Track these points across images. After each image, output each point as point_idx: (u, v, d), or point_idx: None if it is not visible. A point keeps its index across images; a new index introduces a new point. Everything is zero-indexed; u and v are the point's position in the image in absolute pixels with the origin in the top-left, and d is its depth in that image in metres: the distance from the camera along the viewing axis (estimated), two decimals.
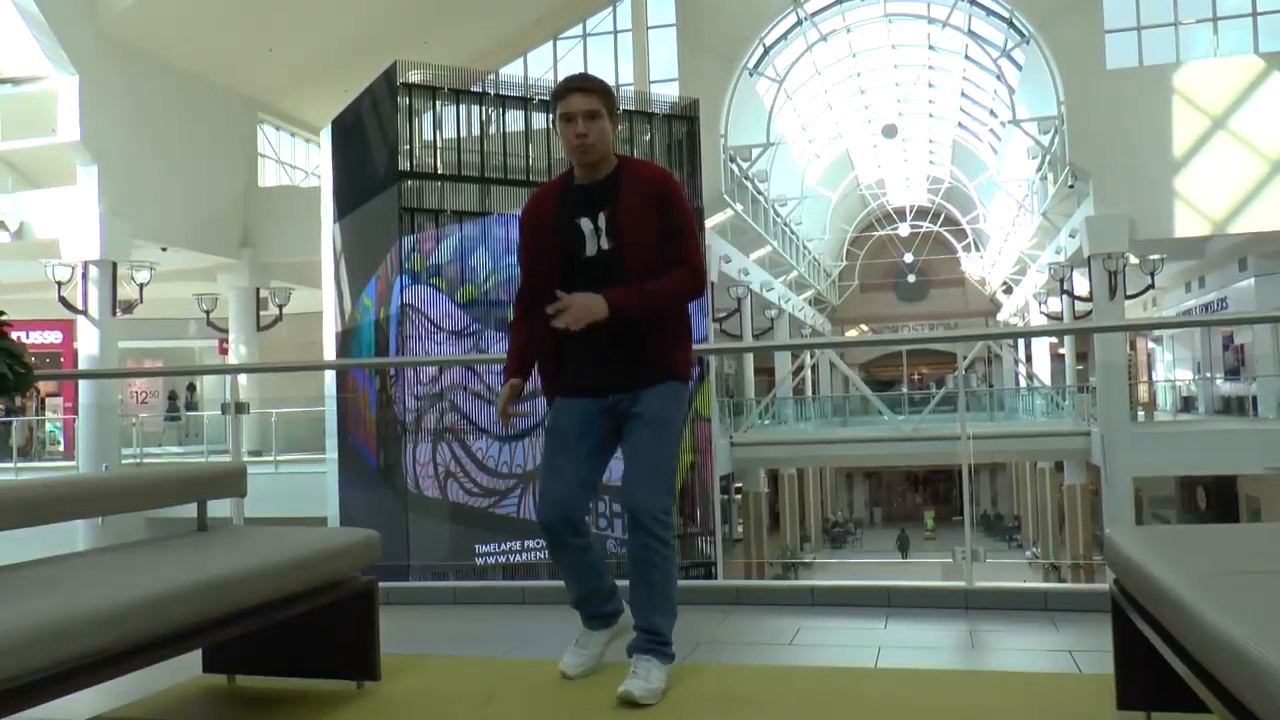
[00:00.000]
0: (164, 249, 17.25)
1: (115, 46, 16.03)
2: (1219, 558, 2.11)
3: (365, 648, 2.87)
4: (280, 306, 18.08)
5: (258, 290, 18.87)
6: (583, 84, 2.89)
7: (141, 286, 16.50)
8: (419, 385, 13.49)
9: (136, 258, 16.66)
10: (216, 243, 18.29)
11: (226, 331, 19.04)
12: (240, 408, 4.52)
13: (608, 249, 2.87)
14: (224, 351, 20.03)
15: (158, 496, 2.82)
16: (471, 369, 13.50)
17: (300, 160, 22.68)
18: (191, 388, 22.57)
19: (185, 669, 2.88)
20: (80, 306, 15.85)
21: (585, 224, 2.89)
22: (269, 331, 18.79)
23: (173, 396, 22.16)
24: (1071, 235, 20.21)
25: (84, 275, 16.03)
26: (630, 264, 2.85)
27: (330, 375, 14.41)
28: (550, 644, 3.45)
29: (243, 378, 18.48)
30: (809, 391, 32.14)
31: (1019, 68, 23.23)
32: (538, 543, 13.57)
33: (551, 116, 3.01)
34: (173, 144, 17.23)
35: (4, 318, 3.90)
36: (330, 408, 14.57)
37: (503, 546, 13.37)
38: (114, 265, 16.22)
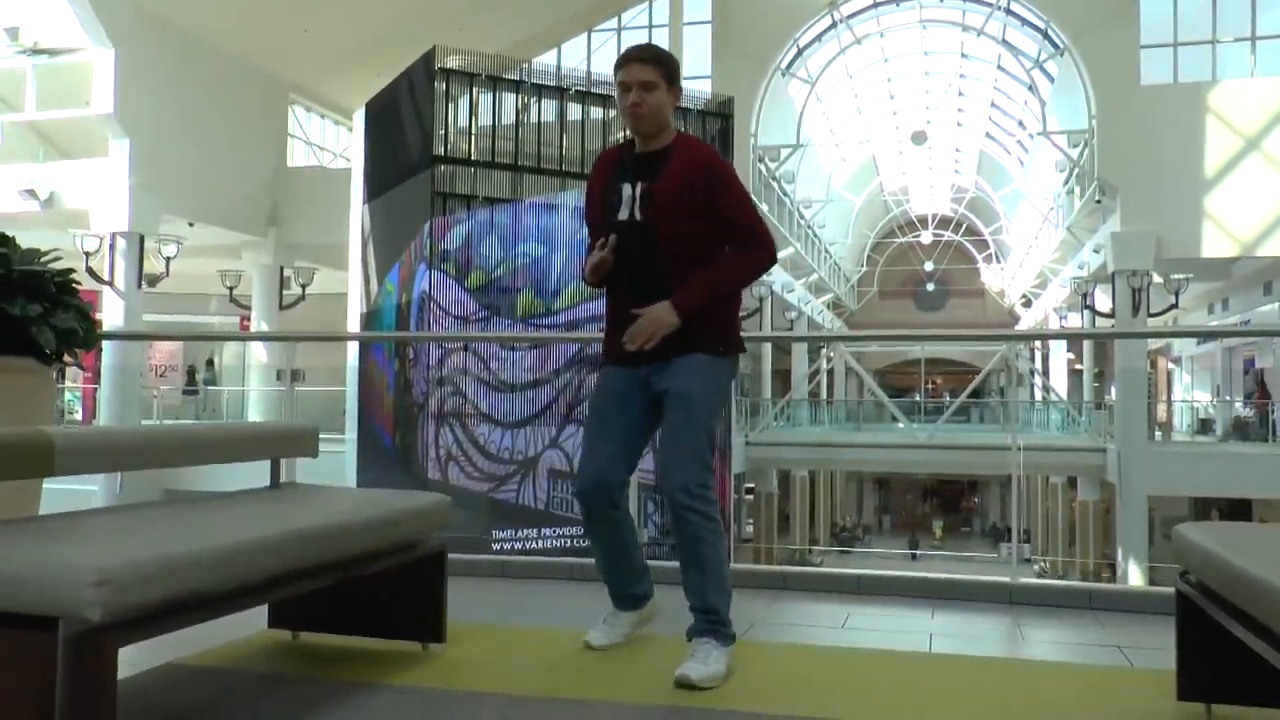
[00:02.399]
0: (191, 224, 17.35)
1: (152, 21, 16.15)
2: None
3: (433, 610, 2.92)
4: (304, 286, 18.16)
5: (281, 269, 18.97)
6: (640, 54, 2.92)
7: (168, 260, 16.60)
8: (431, 369, 13.63)
9: (164, 232, 16.75)
10: (243, 220, 18.38)
11: (249, 309, 19.13)
12: (295, 375, 4.55)
13: (640, 220, 2.90)
14: (245, 329, 20.14)
15: (232, 451, 2.87)
16: (478, 356, 13.63)
17: (329, 142, 22.78)
18: (210, 363, 22.69)
19: (249, 624, 2.94)
20: (106, 278, 15.95)
21: (625, 189, 2.93)
22: (291, 311, 18.88)
23: (191, 370, 22.28)
24: (1096, 250, 20.17)
25: (111, 247, 16.13)
26: (661, 242, 2.86)
27: (353, 355, 14.48)
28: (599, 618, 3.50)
29: (264, 357, 18.61)
30: (824, 395, 32.14)
31: (1051, 80, 23.18)
32: (554, 531, 13.68)
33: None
34: (205, 121, 17.34)
35: (73, 275, 3.99)
36: (351, 388, 14.65)
37: (519, 533, 13.43)
38: (141, 238, 16.33)
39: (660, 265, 2.86)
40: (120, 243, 16.04)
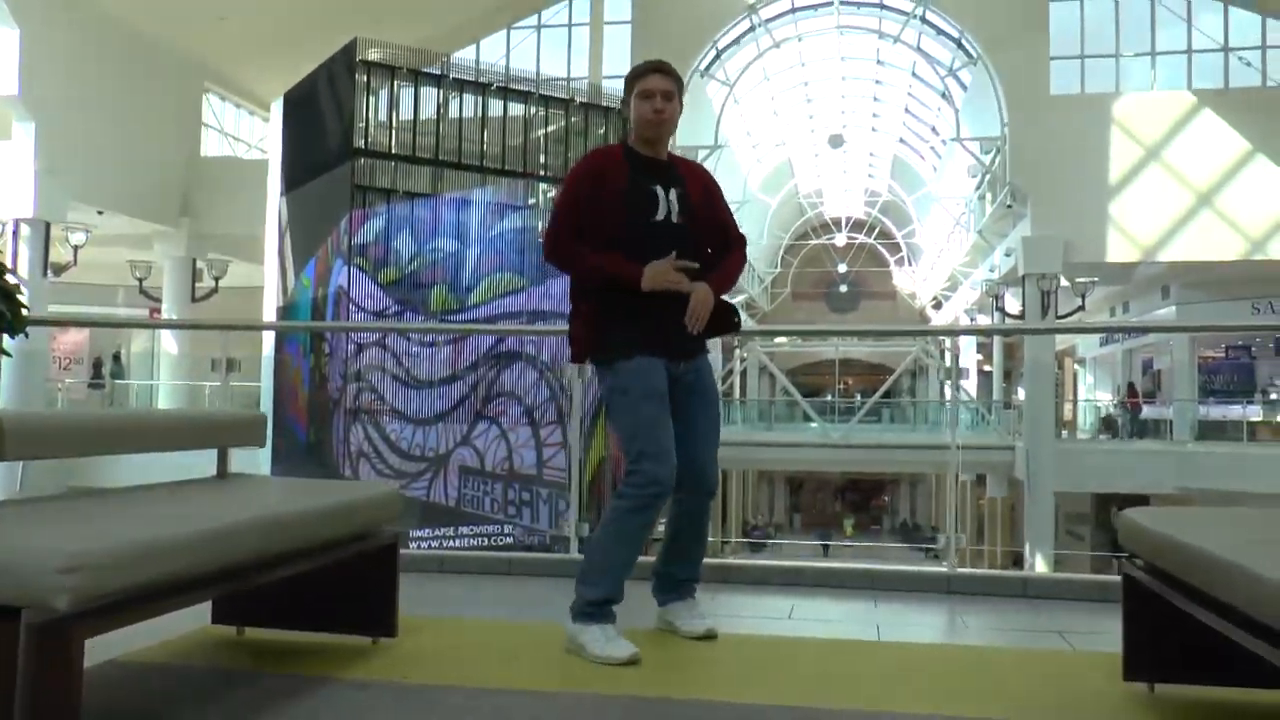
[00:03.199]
0: (100, 212, 16.83)
1: (62, 2, 15.61)
2: (1239, 533, 2.23)
3: (385, 604, 2.87)
4: (217, 279, 17.74)
5: (194, 261, 18.50)
6: (663, 67, 3.16)
7: (76, 249, 16.07)
8: (346, 364, 13.46)
9: (72, 219, 16.21)
10: (154, 209, 17.88)
11: (159, 301, 18.62)
12: (231, 365, 4.44)
13: (677, 223, 3.09)
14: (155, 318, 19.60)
15: (177, 438, 2.79)
16: (391, 351, 13.49)
17: (244, 132, 22.27)
18: (117, 356, 22.02)
19: (191, 620, 2.86)
20: (9, 265, 15.34)
21: (659, 191, 3.09)
22: (203, 304, 18.42)
23: (98, 363, 21.61)
24: (1007, 254, 20.71)
25: (15, 233, 15.58)
26: (703, 243, 3.16)
27: (269, 348, 14.20)
28: (553, 610, 3.49)
29: (173, 349, 18.13)
30: (736, 394, 32.39)
31: (964, 87, 23.71)
32: (471, 529, 13.59)
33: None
34: (115, 105, 16.82)
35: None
36: (266, 382, 14.37)
37: (435, 532, 13.31)
38: (47, 225, 15.78)
39: (699, 262, 3.10)
40: (24, 229, 15.48)
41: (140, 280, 17.89)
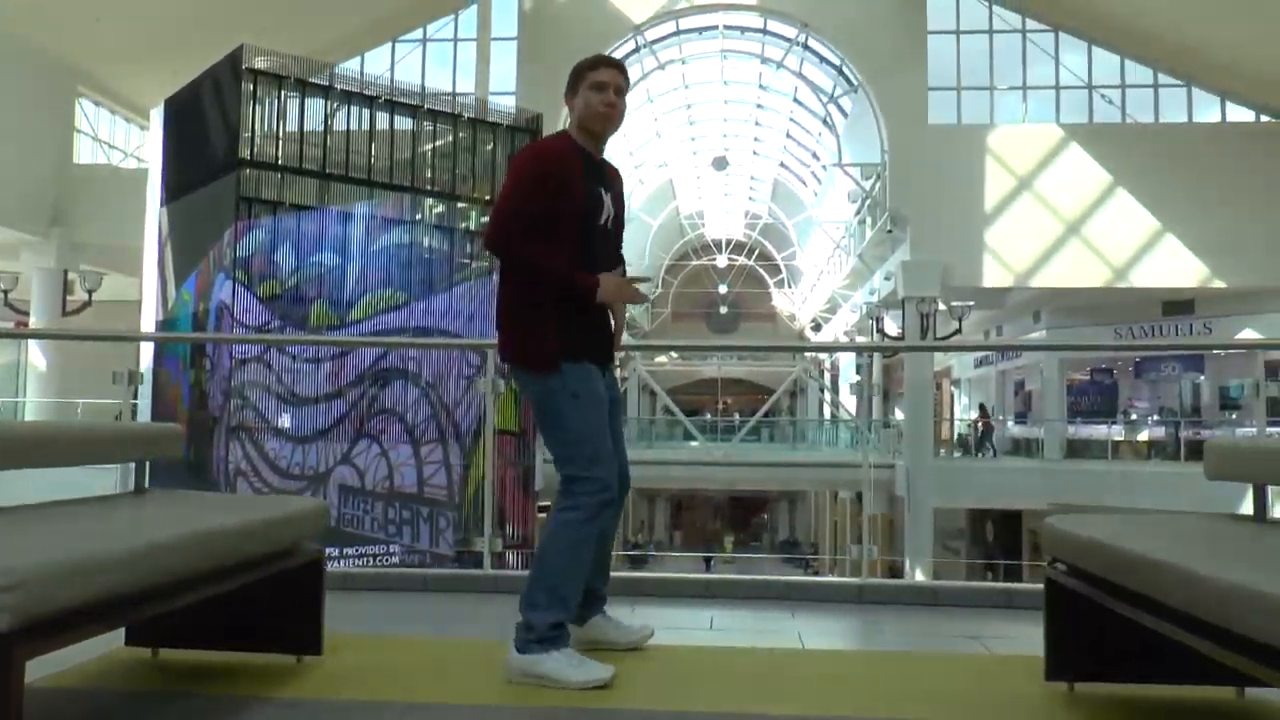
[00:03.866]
0: None
1: None
2: (1162, 536, 2.33)
3: (310, 621, 2.79)
4: (90, 291, 16.98)
5: (65, 273, 17.69)
6: (615, 62, 3.07)
7: None
8: (227, 381, 13.10)
9: None
10: (22, 218, 17.05)
11: (26, 314, 17.74)
12: (132, 377, 4.27)
13: (610, 229, 3.05)
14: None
15: (94, 451, 2.66)
16: (268, 365, 13.18)
17: (120, 140, 21.44)
18: None
19: (103, 643, 2.73)
20: None
21: (604, 196, 3.01)
22: (75, 317, 17.62)
23: None
24: (887, 278, 21.28)
25: None
26: (619, 246, 3.14)
27: (148, 361, 13.67)
28: (474, 627, 3.45)
29: (42, 364, 17.31)
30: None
31: (845, 114, 24.36)
32: (355, 550, 13.29)
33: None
34: None
35: None
36: (144, 400, 13.82)
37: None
38: None
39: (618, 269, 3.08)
40: None
41: (5, 292, 17.03)
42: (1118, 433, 21.93)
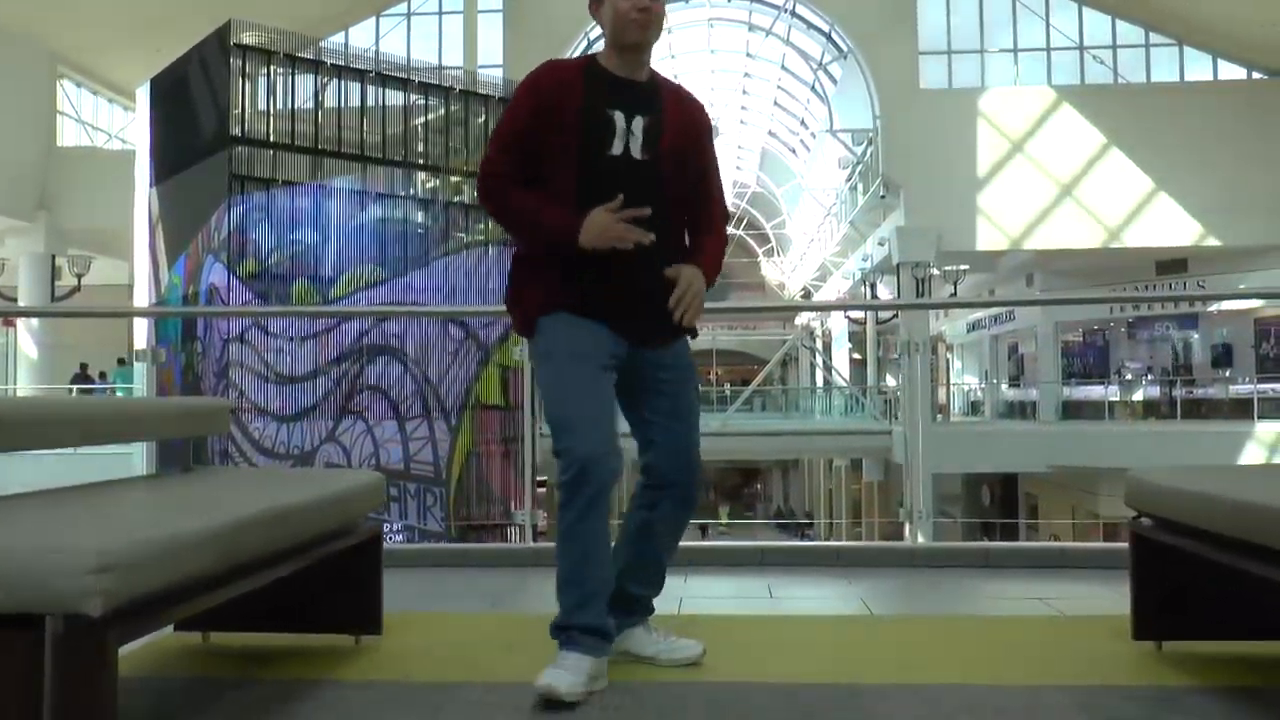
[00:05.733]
0: None
1: None
2: (1255, 485, 2.25)
3: (369, 599, 2.69)
4: (79, 276, 16.76)
5: (53, 258, 17.43)
6: None
7: None
8: (217, 362, 13.01)
9: None
10: (7, 203, 16.79)
11: (14, 300, 17.51)
12: (155, 356, 4.15)
13: (640, 159, 2.42)
14: (9, 324, 18.43)
15: (150, 428, 2.55)
16: (251, 346, 13.08)
17: (103, 122, 21.13)
18: None
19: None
20: None
21: (618, 118, 2.41)
22: (64, 303, 17.38)
23: None
24: (881, 244, 21.20)
25: None
26: (670, 188, 2.45)
27: (142, 342, 13.50)
28: (525, 599, 3.36)
29: (33, 352, 17.11)
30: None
31: (834, 81, 24.19)
32: None
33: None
34: None
35: None
36: (139, 379, 13.68)
37: None
38: None
39: (667, 213, 2.44)
40: None
41: None
42: (1113, 394, 21.95)
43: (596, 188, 2.36)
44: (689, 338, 2.60)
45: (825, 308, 34.55)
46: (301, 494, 2.22)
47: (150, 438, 2.54)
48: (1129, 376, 23.68)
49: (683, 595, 3.33)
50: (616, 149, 2.40)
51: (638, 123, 2.41)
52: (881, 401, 23.15)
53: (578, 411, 2.33)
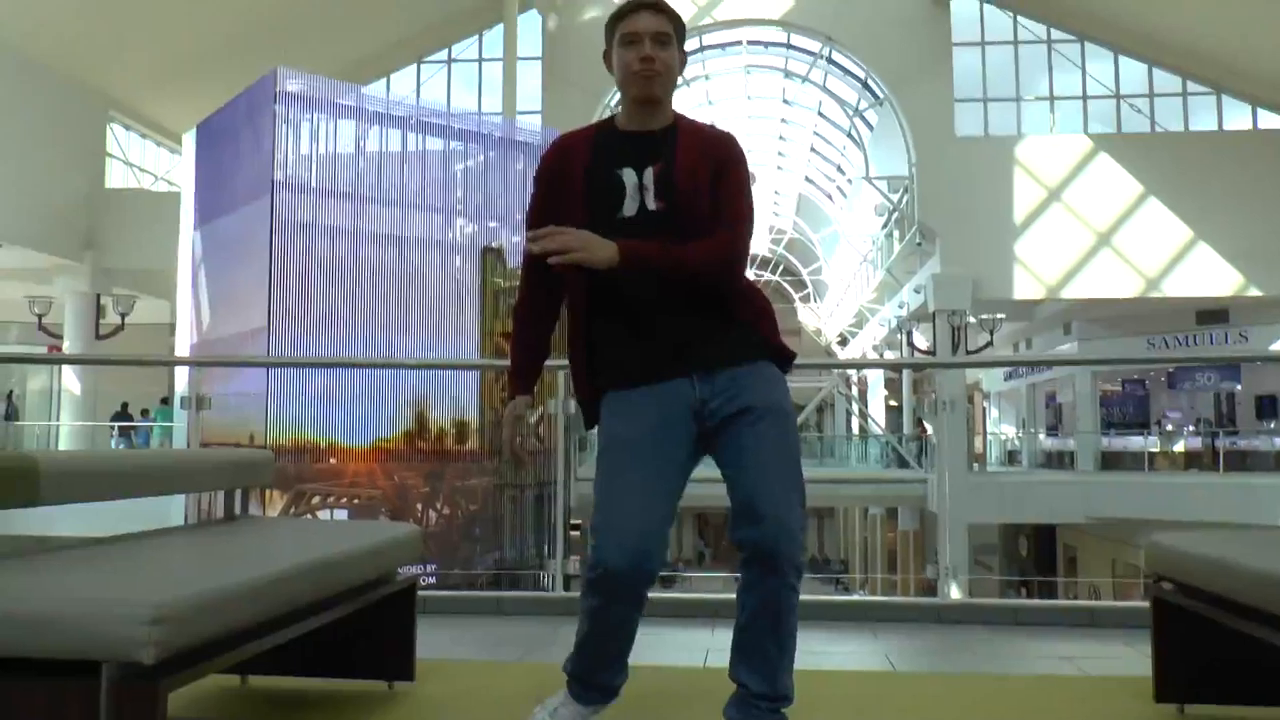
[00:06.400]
0: None
1: None
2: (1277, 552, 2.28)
3: (403, 647, 2.77)
4: (123, 315, 17.09)
5: (98, 296, 17.82)
6: (654, 2, 2.34)
7: None
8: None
9: None
10: (56, 242, 17.21)
11: (60, 338, 17.88)
12: (201, 402, 4.27)
13: (655, 210, 2.27)
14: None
15: (193, 480, 2.66)
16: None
17: (150, 164, 21.64)
18: (10, 395, 21.05)
19: None
20: None
21: (628, 176, 2.29)
22: (108, 341, 17.73)
23: None
24: (917, 291, 21.19)
25: None
26: (689, 231, 2.25)
27: (183, 386, 13.72)
28: (554, 650, 3.40)
29: (76, 388, 17.43)
30: None
31: (870, 127, 24.31)
32: None
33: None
34: (14, 134, 16.17)
35: None
36: (180, 424, 13.87)
37: None
38: None
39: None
40: None
41: (39, 316, 17.17)
42: (1153, 444, 21.71)
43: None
44: (771, 364, 2.32)
45: (852, 365, 34.51)
46: (340, 546, 2.31)
47: (194, 490, 2.63)
48: (1169, 427, 23.44)
49: (709, 647, 3.37)
50: (629, 209, 2.28)
51: (648, 174, 2.29)
52: (917, 449, 23.03)
53: (606, 519, 2.22)
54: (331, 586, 2.19)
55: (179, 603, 1.61)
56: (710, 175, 2.31)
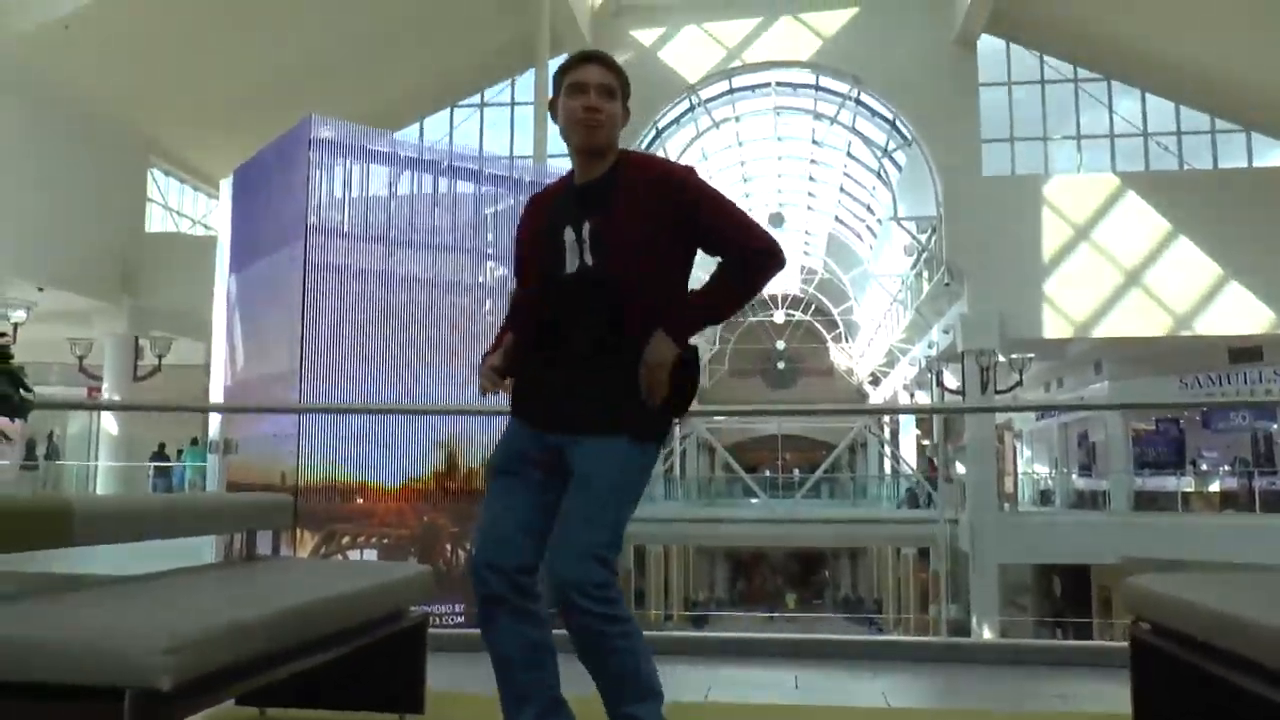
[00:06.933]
0: (40, 289, 16.54)
1: (3, 73, 15.48)
2: (1255, 595, 2.36)
3: (414, 680, 2.90)
4: (160, 357, 17.47)
5: (136, 338, 18.22)
6: (599, 56, 2.42)
7: (16, 326, 15.74)
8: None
9: (12, 296, 15.94)
10: (96, 285, 17.65)
11: (99, 379, 18.27)
12: (227, 446, 4.43)
13: (591, 265, 2.31)
14: (94, 397, 19.20)
15: (215, 523, 2.81)
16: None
17: (188, 208, 22.16)
18: (51, 436, 21.47)
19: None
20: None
21: (568, 234, 2.33)
22: (145, 382, 18.10)
23: (31, 443, 21.03)
24: (946, 331, 21.21)
25: None
26: (624, 287, 2.29)
27: (215, 430, 13.98)
28: (574, 686, 3.51)
29: (113, 429, 17.77)
30: (676, 471, 32.51)
31: (899, 168, 24.45)
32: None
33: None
34: (57, 179, 16.63)
35: (3, 340, 3.83)
36: (212, 464, 14.13)
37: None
38: None
39: (609, 315, 2.30)
40: None
41: (80, 358, 17.56)
42: (1187, 484, 21.51)
43: (550, 312, 2.36)
44: (622, 438, 2.31)
45: (876, 411, 34.43)
46: (349, 585, 2.45)
47: (217, 531, 2.79)
48: (1205, 467, 23.22)
49: (711, 684, 3.47)
50: (571, 265, 2.32)
51: (585, 229, 2.31)
52: (950, 489, 22.94)
53: (482, 525, 2.38)
54: (340, 622, 2.33)
55: (193, 634, 1.75)
56: (667, 221, 2.32)
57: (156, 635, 1.71)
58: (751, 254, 2.33)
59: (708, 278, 2.41)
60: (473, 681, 3.63)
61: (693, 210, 2.34)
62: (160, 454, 20.03)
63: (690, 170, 2.44)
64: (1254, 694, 2.12)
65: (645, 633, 2.37)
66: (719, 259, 2.39)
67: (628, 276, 2.29)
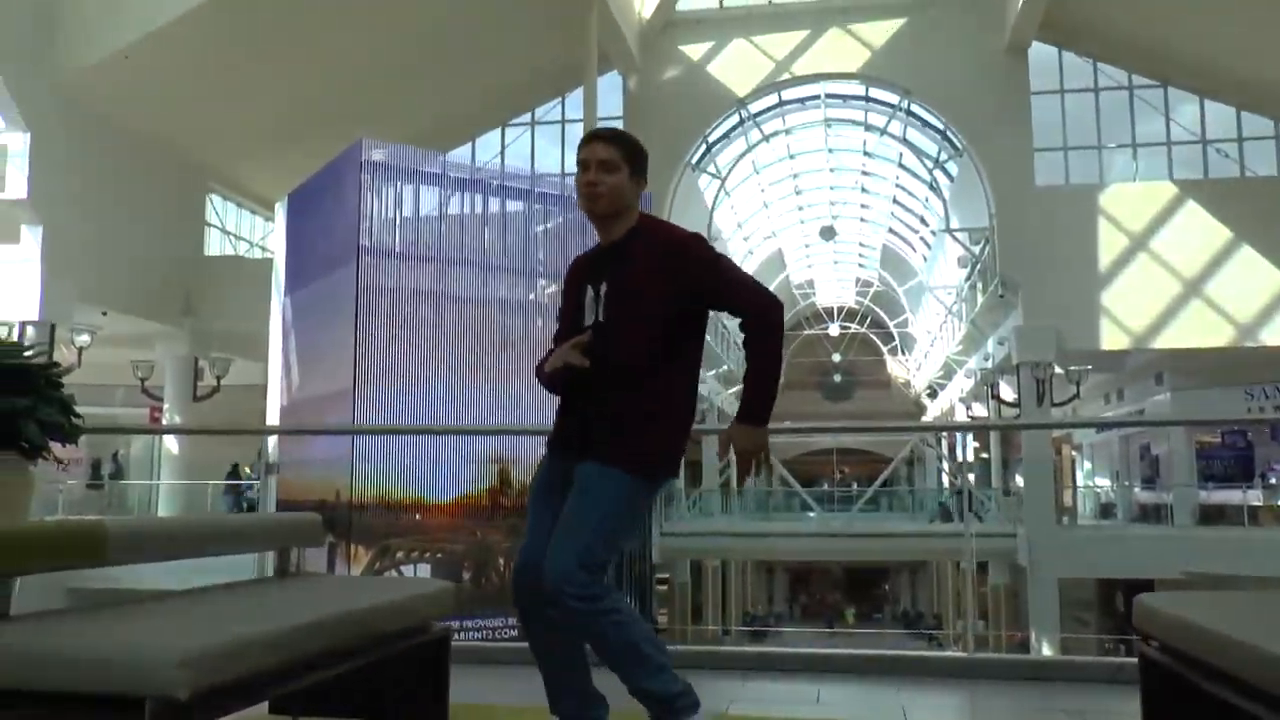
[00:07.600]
0: (104, 313, 17.03)
1: (70, 105, 15.98)
2: (1256, 617, 2.36)
3: (437, 693, 2.98)
4: (219, 377, 17.90)
5: (196, 360, 18.68)
6: (607, 134, 2.75)
7: (81, 350, 16.24)
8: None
9: (77, 320, 16.42)
10: (157, 309, 18.14)
11: (160, 400, 18.75)
12: (270, 468, 4.57)
13: (602, 321, 2.68)
14: (155, 421, 19.69)
15: (250, 541, 2.93)
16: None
17: (245, 231, 22.68)
18: (115, 456, 22.05)
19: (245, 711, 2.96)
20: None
21: (589, 292, 2.72)
22: (205, 403, 18.55)
23: (96, 464, 21.61)
24: (1001, 343, 20.99)
25: (20, 336, 15.72)
26: (619, 346, 2.64)
27: (274, 450, 14.30)
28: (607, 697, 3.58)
29: (175, 449, 18.21)
30: (734, 484, 32.42)
31: (951, 178, 24.27)
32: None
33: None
34: (120, 206, 17.17)
35: (58, 369, 4.00)
36: (271, 483, 14.43)
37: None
38: (52, 327, 15.97)
39: (614, 370, 2.64)
40: (29, 331, 15.65)
41: (143, 380, 18.03)
42: (1254, 498, 21.02)
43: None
44: (615, 469, 2.61)
45: (925, 429, 34.10)
46: (369, 601, 2.55)
47: (249, 550, 2.91)
48: (1274, 480, 22.67)
49: (733, 698, 3.52)
50: (589, 320, 2.70)
51: (604, 288, 2.68)
52: (1007, 502, 22.68)
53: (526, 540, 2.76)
54: (358, 636, 2.42)
55: (207, 648, 1.86)
56: (672, 282, 2.62)
57: (171, 649, 1.82)
58: (755, 317, 2.63)
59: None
60: (500, 694, 3.72)
61: (698, 272, 2.64)
62: (235, 473, 20.46)
63: (697, 237, 2.72)
64: (1253, 717, 2.13)
65: (687, 647, 2.72)
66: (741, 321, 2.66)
67: (622, 326, 2.64)
